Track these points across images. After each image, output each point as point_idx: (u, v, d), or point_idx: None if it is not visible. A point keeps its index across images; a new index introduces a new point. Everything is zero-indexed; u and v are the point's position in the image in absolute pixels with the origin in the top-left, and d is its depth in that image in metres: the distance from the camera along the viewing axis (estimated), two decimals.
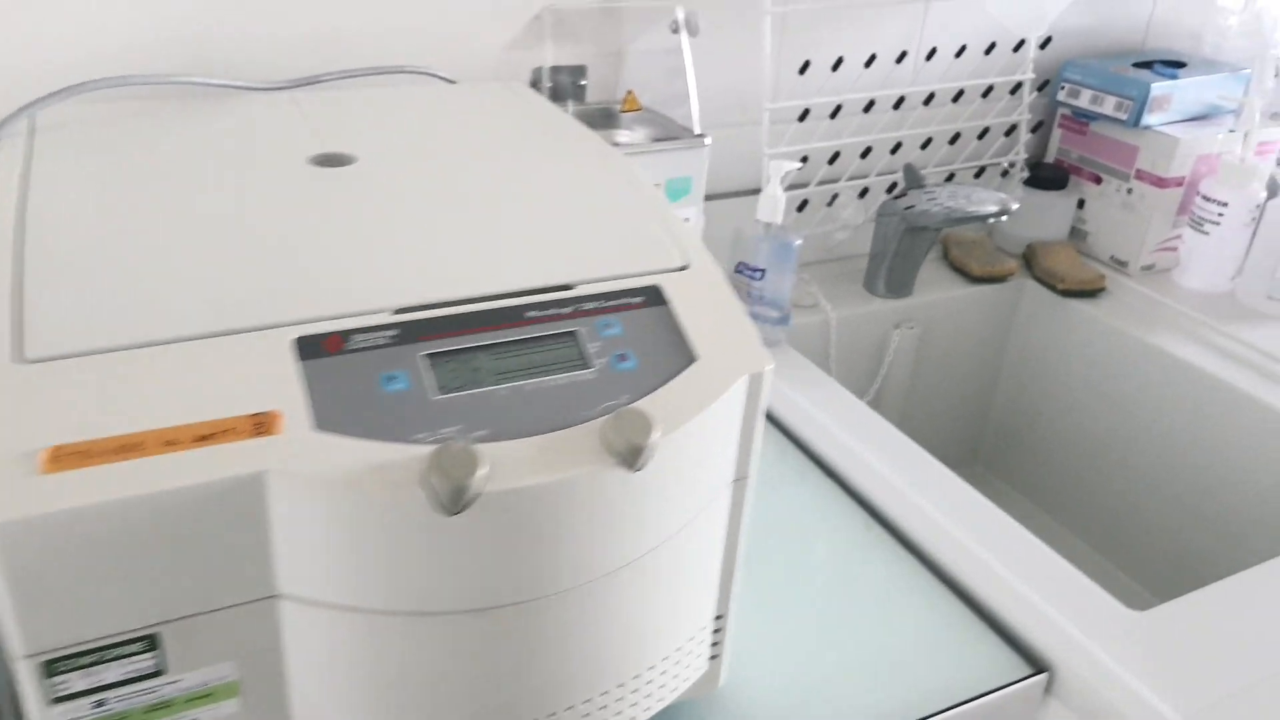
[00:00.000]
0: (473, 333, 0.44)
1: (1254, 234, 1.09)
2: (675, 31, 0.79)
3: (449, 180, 0.54)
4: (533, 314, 0.45)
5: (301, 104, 0.65)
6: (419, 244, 0.48)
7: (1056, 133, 1.22)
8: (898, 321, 1.10)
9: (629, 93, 0.77)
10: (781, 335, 0.97)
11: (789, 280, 0.95)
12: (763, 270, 0.94)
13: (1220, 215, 1.09)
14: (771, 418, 0.86)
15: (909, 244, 1.07)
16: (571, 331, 0.45)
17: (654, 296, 0.48)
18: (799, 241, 0.94)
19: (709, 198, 1.04)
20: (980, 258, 1.15)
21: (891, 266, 1.08)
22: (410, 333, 0.43)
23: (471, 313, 0.44)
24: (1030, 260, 1.17)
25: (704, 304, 0.48)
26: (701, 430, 0.44)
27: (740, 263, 0.95)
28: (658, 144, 0.78)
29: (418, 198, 0.52)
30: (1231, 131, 1.12)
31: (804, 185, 1.06)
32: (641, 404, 0.43)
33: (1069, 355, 1.12)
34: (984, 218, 0.97)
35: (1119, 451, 1.09)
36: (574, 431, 0.41)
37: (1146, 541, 1.07)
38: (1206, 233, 1.10)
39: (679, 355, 0.45)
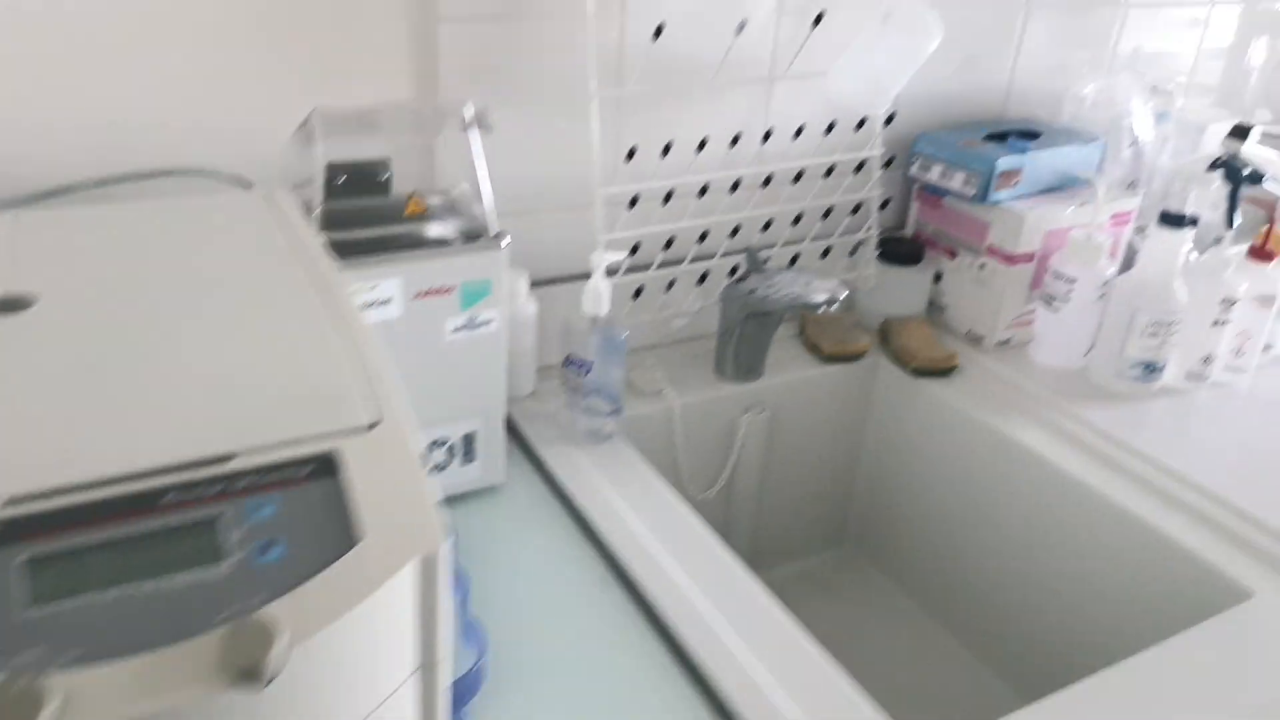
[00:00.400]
0: (91, 527, 0.39)
1: (1104, 311, 1.07)
2: (465, 129, 0.75)
3: (128, 328, 0.50)
4: (171, 498, 0.41)
5: (22, 225, 0.60)
6: (57, 414, 0.43)
7: (914, 206, 1.20)
8: (747, 406, 1.07)
9: (411, 196, 0.73)
10: (613, 428, 0.93)
11: (618, 372, 0.92)
12: (590, 363, 0.90)
13: (1070, 292, 1.07)
14: (581, 521, 0.82)
15: (754, 328, 1.04)
16: (210, 519, 0.40)
17: (324, 466, 0.43)
18: (626, 334, 0.91)
19: (545, 283, 1.00)
20: (834, 335, 1.12)
21: (738, 350, 1.05)
22: (12, 531, 0.38)
23: (93, 502, 0.40)
24: (886, 336, 1.14)
25: (387, 471, 0.44)
26: (354, 628, 0.40)
27: (569, 355, 0.92)
28: (447, 248, 0.74)
29: (80, 353, 0.47)
30: (1083, 205, 1.11)
31: (644, 269, 1.03)
32: (271, 608, 0.38)
33: (922, 437, 1.10)
34: (816, 307, 0.95)
35: (975, 539, 1.06)
36: (187, 646, 0.37)
37: (1009, 634, 1.04)
38: (1057, 309, 1.08)
39: (340, 539, 0.41)
